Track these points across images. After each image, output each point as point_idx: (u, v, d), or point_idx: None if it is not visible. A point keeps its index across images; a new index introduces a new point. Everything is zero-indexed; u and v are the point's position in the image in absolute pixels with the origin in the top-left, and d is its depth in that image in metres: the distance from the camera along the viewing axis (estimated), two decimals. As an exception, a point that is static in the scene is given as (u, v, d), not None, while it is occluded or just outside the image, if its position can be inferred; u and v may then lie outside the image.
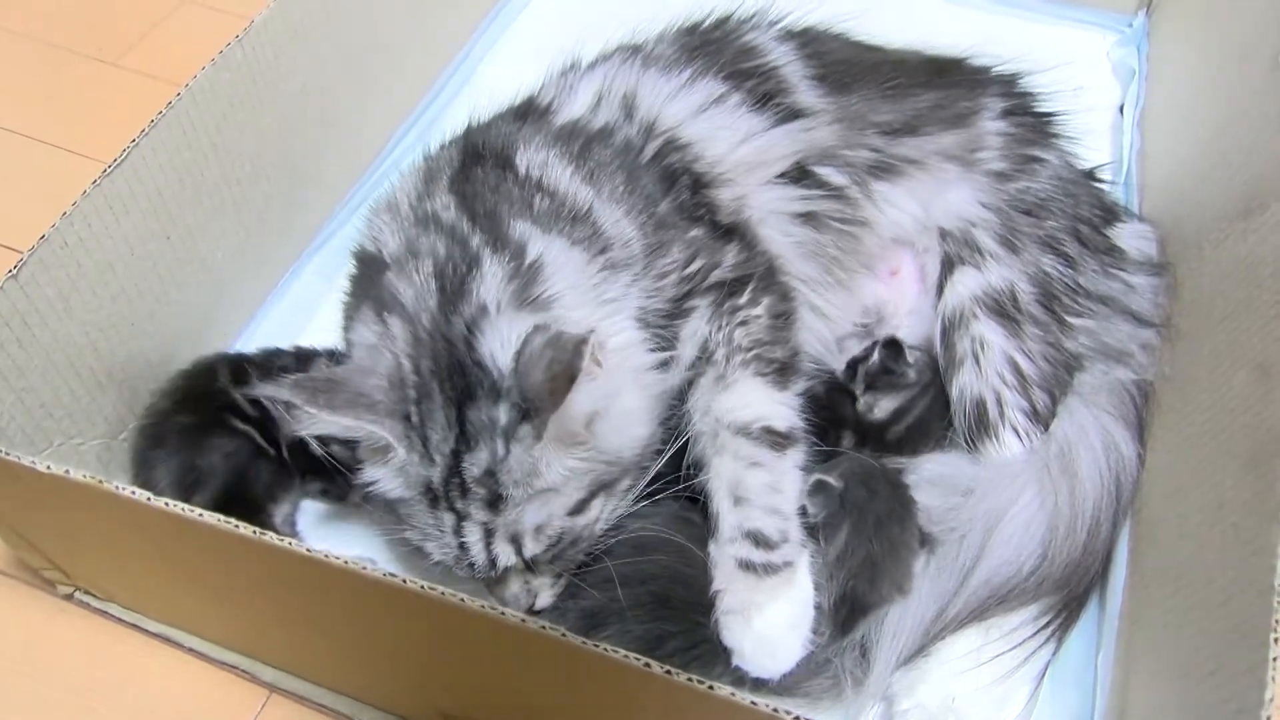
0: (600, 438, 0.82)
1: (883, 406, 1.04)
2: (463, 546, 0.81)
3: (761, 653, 0.86)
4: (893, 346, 1.05)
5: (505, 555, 0.82)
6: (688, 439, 0.93)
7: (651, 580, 0.89)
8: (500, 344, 0.79)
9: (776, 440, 0.90)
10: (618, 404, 0.83)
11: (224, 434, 1.01)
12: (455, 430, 0.79)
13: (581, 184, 0.93)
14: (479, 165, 0.94)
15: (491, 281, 0.84)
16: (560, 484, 0.81)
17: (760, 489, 0.88)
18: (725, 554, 0.88)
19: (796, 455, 0.91)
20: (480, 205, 0.90)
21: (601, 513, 0.86)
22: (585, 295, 0.86)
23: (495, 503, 0.80)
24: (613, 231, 0.91)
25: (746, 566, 0.86)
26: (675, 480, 0.91)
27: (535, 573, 0.85)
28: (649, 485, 0.90)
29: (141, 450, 1.02)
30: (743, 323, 0.94)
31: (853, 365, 1.07)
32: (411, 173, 1.01)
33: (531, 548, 0.82)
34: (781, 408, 0.92)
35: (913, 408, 1.03)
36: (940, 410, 1.04)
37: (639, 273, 0.91)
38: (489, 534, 0.81)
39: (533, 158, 0.94)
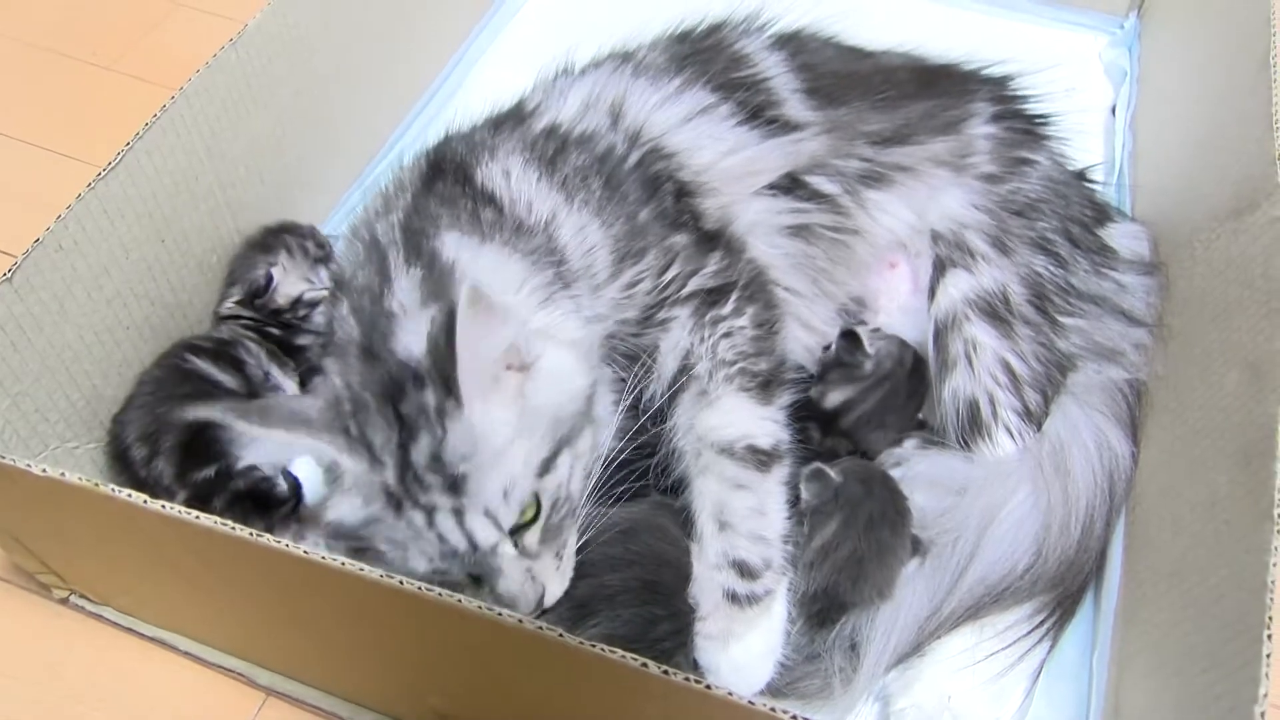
0: (533, 395, 0.81)
1: (832, 398, 1.03)
2: (441, 538, 0.78)
3: (736, 676, 0.87)
4: (850, 338, 1.05)
5: (484, 531, 0.78)
6: (659, 436, 0.93)
7: (638, 564, 0.89)
8: (415, 337, 0.79)
9: (761, 459, 0.89)
10: (542, 364, 0.82)
11: (183, 380, 1.03)
12: (395, 428, 0.78)
13: (548, 191, 0.92)
14: (440, 180, 0.94)
15: (401, 291, 0.84)
16: (508, 441, 0.78)
17: (745, 513, 0.88)
18: (712, 580, 0.88)
19: (781, 472, 0.91)
20: (417, 222, 0.89)
21: (572, 472, 0.83)
22: (512, 293, 0.85)
23: (454, 485, 0.77)
24: (572, 242, 0.91)
25: (731, 597, 0.87)
26: (645, 472, 0.92)
27: (531, 557, 0.81)
28: (625, 481, 0.90)
29: (114, 421, 1.03)
30: (726, 334, 0.93)
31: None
32: (380, 189, 1.00)
33: (507, 516, 0.79)
34: (766, 423, 0.91)
35: (863, 400, 1.03)
36: (898, 404, 1.04)
37: (603, 282, 0.91)
38: (459, 515, 0.77)
39: (493, 169, 0.94)
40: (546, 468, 0.81)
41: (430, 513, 0.78)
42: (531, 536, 0.81)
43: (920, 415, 1.08)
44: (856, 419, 1.03)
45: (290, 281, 1.12)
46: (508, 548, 0.80)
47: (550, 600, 0.83)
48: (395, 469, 0.78)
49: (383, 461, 0.79)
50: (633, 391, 0.91)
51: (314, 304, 1.12)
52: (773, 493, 0.90)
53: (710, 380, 0.91)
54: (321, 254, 1.15)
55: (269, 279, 1.11)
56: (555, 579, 0.83)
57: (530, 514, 0.80)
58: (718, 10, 1.15)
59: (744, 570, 0.87)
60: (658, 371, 0.94)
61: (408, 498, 0.78)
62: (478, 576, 0.81)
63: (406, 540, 0.79)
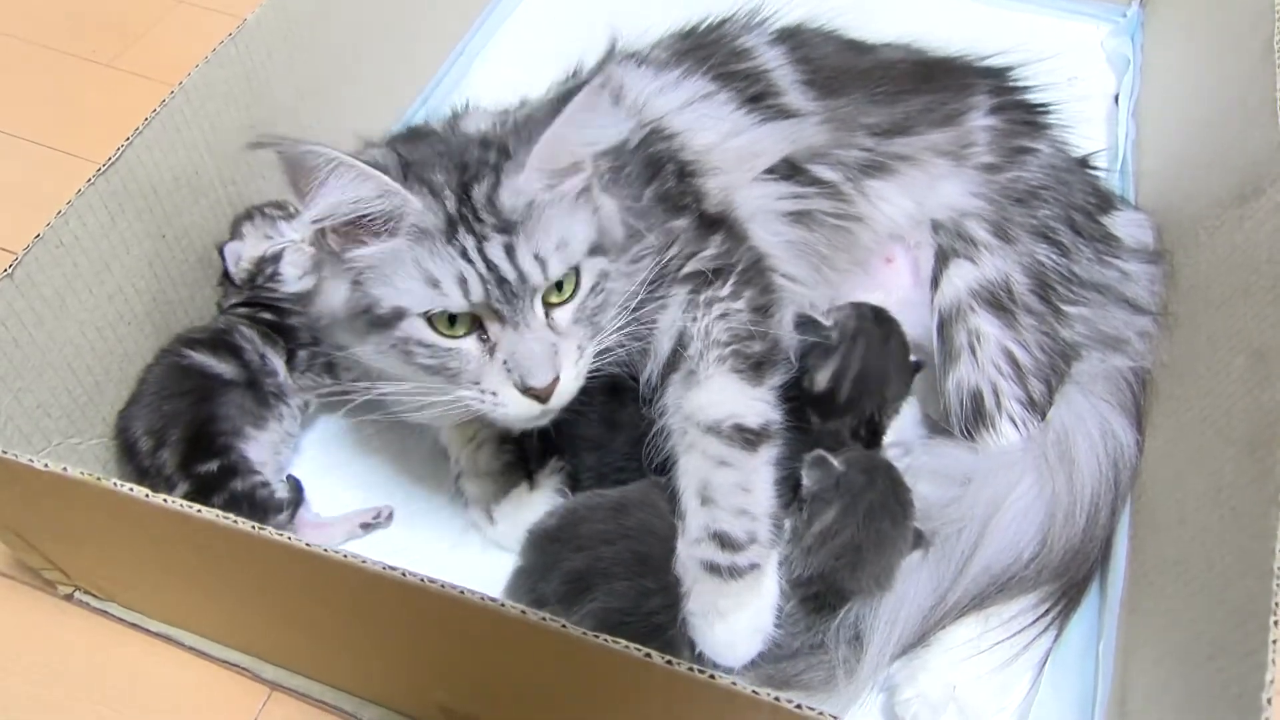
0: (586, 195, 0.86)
1: (820, 378, 1.02)
2: (490, 264, 0.80)
3: (724, 651, 0.87)
4: (803, 324, 1.04)
5: (533, 271, 0.81)
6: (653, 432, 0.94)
7: (630, 537, 0.90)
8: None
9: (748, 438, 0.89)
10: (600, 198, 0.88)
11: (184, 376, 1.04)
12: (456, 173, 0.82)
13: None
14: None
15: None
16: (563, 211, 0.83)
17: (728, 489, 0.87)
18: (691, 555, 0.88)
19: (769, 452, 0.90)
20: None
21: (607, 282, 0.87)
22: None
23: (507, 228, 0.81)
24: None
25: (712, 569, 0.86)
26: (638, 465, 0.95)
27: (558, 334, 0.84)
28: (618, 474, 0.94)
29: (120, 416, 1.04)
30: (722, 315, 0.93)
31: None
32: None
33: (556, 266, 0.82)
34: (756, 403, 0.91)
35: (849, 363, 1.01)
36: (880, 352, 1.02)
37: (613, 258, 0.91)
38: (510, 251, 0.80)
39: None
40: (595, 251, 0.85)
41: (482, 240, 0.80)
42: (564, 313, 0.84)
43: (914, 359, 1.06)
44: (853, 385, 1.01)
45: (250, 245, 1.13)
46: (540, 310, 0.83)
47: (559, 397, 0.84)
48: (455, 200, 0.81)
49: (442, 197, 0.81)
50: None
51: (277, 257, 1.12)
52: (759, 470, 0.89)
53: (701, 360, 0.91)
54: (280, 213, 1.15)
55: (227, 253, 1.12)
56: (570, 369, 0.84)
57: (569, 291, 0.84)
58: (720, 7, 1.15)
59: (726, 542, 0.86)
60: (653, 350, 0.94)
61: (463, 223, 0.80)
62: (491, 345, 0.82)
63: (449, 269, 0.80)
